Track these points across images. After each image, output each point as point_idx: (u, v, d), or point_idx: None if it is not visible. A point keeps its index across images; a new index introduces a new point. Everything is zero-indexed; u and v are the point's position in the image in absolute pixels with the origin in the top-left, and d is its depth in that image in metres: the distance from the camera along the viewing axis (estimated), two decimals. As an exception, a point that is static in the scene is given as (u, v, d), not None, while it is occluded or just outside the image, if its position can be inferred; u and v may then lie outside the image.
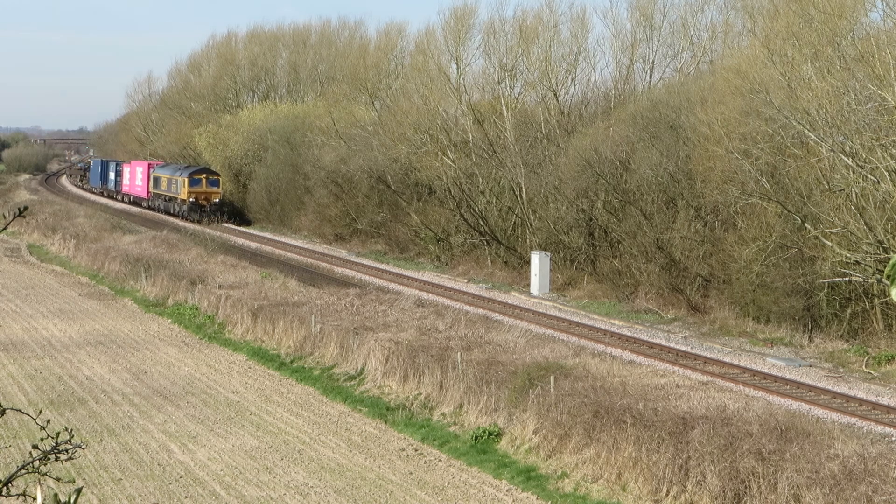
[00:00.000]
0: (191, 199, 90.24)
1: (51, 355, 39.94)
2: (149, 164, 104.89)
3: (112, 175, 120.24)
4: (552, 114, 64.12)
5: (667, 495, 22.76)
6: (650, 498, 22.95)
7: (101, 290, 57.43)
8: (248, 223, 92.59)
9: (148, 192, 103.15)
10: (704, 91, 49.92)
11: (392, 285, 53.91)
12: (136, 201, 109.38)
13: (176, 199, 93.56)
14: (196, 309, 48.16)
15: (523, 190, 61.39)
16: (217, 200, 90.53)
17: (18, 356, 39.51)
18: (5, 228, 6.80)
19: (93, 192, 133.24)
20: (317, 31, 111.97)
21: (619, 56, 64.90)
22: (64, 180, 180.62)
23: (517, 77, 68.01)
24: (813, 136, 40.48)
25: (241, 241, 77.21)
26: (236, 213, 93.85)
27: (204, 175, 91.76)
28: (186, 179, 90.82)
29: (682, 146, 50.27)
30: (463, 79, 70.50)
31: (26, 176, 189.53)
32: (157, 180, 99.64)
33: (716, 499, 21.83)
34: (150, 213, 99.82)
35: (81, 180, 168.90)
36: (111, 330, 45.58)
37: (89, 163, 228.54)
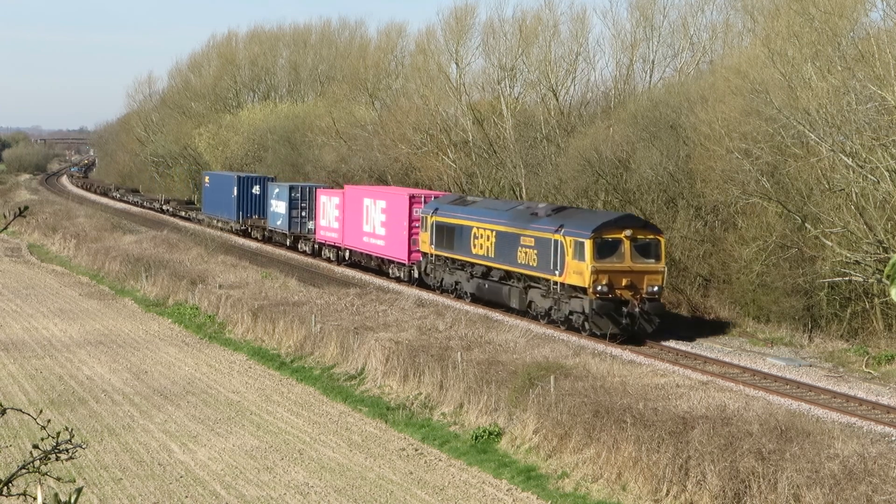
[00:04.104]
0: (599, 288, 39.22)
1: (51, 355, 39.95)
2: (410, 198, 53.81)
3: (283, 207, 69.19)
4: (552, 114, 64.13)
5: (667, 495, 22.76)
6: (650, 497, 22.96)
7: (101, 289, 57.45)
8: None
9: (409, 250, 53.23)
10: (705, 91, 49.95)
11: (392, 285, 53.90)
12: (360, 262, 60.21)
13: (539, 281, 42.67)
14: (196, 309, 48.17)
15: (523, 190, 61.38)
16: (656, 288, 39.91)
17: (19, 356, 39.52)
18: (6, 228, 6.81)
19: (206, 225, 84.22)
20: (317, 30, 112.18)
21: (619, 56, 64.97)
22: (65, 180, 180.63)
23: (517, 77, 68.09)
24: (813, 136, 40.49)
25: (239, 240, 76.80)
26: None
27: (625, 233, 39.83)
28: (588, 242, 39.42)
29: (682, 146, 50.29)
30: (463, 79, 70.54)
31: (27, 176, 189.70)
32: (446, 232, 49.14)
33: (716, 498, 21.83)
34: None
35: (76, 183, 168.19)
36: (111, 330, 45.59)
37: (87, 164, 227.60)
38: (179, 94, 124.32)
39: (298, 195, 67.81)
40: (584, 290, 39.49)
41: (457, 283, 49.02)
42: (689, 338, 41.11)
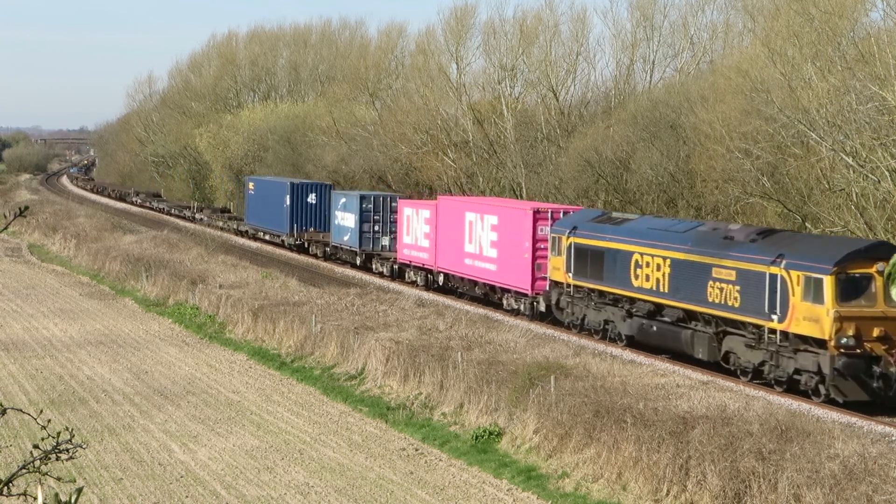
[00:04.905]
0: (844, 340, 29.46)
1: (51, 355, 39.97)
2: (534, 214, 43.39)
3: (352, 220, 59.86)
4: (552, 114, 64.17)
5: (667, 495, 22.77)
6: (650, 497, 22.96)
7: (101, 289, 57.46)
8: None
9: (533, 278, 43.08)
10: (705, 90, 49.99)
11: (392, 285, 53.89)
12: (457, 288, 50.33)
13: (743, 327, 32.44)
14: (197, 309, 48.18)
15: (524, 190, 61.40)
16: None
17: (19, 356, 39.54)
18: (6, 228, 6.82)
19: (250, 237, 77.06)
20: (317, 30, 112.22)
21: (620, 56, 65.05)
22: (66, 182, 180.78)
23: (517, 77, 68.16)
24: (813, 136, 40.51)
25: (240, 240, 76.89)
26: None
27: (876, 267, 29.52)
28: (828, 280, 29.61)
29: (682, 146, 50.34)
30: (463, 79, 70.59)
31: (27, 176, 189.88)
32: (591, 257, 39.37)
33: (716, 498, 21.84)
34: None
35: (77, 182, 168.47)
36: (112, 330, 45.60)
37: (86, 164, 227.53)
38: (179, 94, 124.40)
39: (371, 206, 58.95)
40: (820, 343, 29.76)
41: (606, 321, 38.89)
42: None
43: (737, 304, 32.17)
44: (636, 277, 36.64)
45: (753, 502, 21.42)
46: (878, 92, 38.26)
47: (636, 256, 36.66)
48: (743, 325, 32.25)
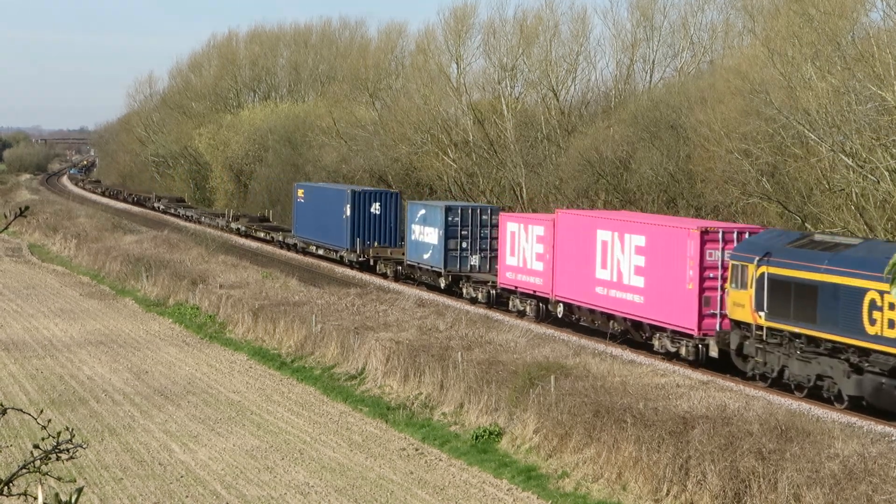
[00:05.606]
0: None
1: (52, 355, 39.98)
2: (701, 235, 34.75)
3: (435, 235, 51.86)
4: (552, 113, 64.19)
5: (667, 495, 22.77)
6: (650, 497, 22.97)
7: (102, 289, 57.47)
8: None
9: (700, 314, 34.86)
10: (705, 91, 50.01)
11: (392, 285, 53.88)
12: (580, 319, 42.16)
13: None
14: (197, 309, 48.19)
15: (524, 190, 61.43)
16: None
17: (20, 356, 39.55)
18: (6, 228, 6.83)
19: (300, 251, 68.73)
20: (317, 30, 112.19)
21: (620, 56, 65.06)
22: (65, 181, 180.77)
23: (517, 77, 68.18)
24: (813, 136, 40.53)
25: (240, 240, 76.87)
26: None
27: None
28: None
29: (682, 146, 50.36)
30: (463, 78, 70.60)
31: (27, 176, 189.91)
32: (795, 293, 30.76)
33: (716, 498, 21.84)
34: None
35: (79, 184, 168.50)
36: (112, 330, 45.61)
37: (86, 164, 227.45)
38: (180, 94, 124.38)
39: (458, 219, 50.74)
40: None
41: (820, 377, 30.15)
42: None
43: None
44: (872, 322, 27.97)
45: (753, 502, 21.43)
46: (878, 92, 38.28)
47: (872, 295, 27.89)
48: None
